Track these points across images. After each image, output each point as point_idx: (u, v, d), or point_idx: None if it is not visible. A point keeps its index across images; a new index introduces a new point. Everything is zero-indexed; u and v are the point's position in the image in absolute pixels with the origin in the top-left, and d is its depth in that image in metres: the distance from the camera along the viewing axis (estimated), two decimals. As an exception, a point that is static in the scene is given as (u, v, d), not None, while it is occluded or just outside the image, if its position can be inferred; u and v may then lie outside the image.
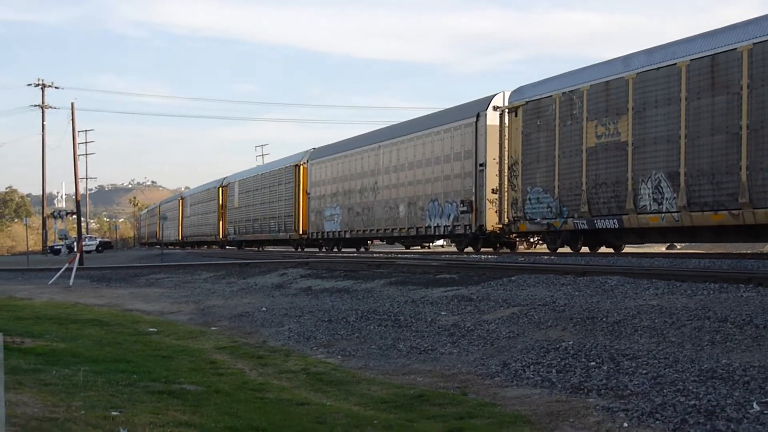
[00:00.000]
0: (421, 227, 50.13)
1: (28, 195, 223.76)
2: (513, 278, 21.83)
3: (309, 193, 67.84)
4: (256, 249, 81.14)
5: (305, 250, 68.19)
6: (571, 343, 13.22)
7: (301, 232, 68.89)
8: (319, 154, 67.91)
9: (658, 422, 9.05)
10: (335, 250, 63.36)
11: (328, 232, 63.78)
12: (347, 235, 60.51)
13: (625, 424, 9.14)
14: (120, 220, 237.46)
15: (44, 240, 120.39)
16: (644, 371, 11.00)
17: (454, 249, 52.76)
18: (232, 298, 26.52)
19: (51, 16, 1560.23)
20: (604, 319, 14.52)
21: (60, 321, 21.22)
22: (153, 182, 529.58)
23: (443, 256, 41.77)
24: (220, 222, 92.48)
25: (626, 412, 9.50)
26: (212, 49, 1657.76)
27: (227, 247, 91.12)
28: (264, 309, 22.65)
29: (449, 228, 46.65)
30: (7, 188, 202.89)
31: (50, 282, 37.95)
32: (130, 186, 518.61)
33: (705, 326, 13.02)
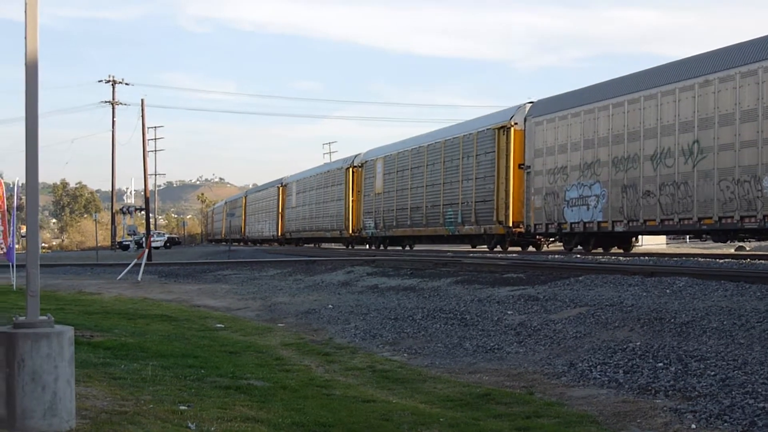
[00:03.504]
0: None
1: (98, 191, 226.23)
2: (580, 278, 21.74)
3: (528, 167, 45.45)
4: (403, 248, 62.17)
5: (508, 251, 47.50)
6: (638, 343, 13.14)
7: (510, 224, 46.80)
8: (549, 107, 44.92)
9: (726, 424, 8.98)
10: (579, 248, 42.98)
11: (573, 224, 41.77)
12: (619, 227, 38.71)
13: (693, 426, 9.08)
14: (188, 217, 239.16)
15: (113, 235, 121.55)
16: (712, 373, 10.91)
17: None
18: (299, 295, 26.62)
19: (120, 14, 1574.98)
20: (672, 320, 14.42)
21: (128, 316, 21.43)
22: (221, 179, 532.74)
23: (510, 255, 41.46)
24: (351, 213, 71.17)
25: (694, 414, 9.44)
26: (278, 46, 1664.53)
27: (354, 246, 73.07)
28: (330, 306, 22.72)
29: None
30: (77, 184, 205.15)
31: (119, 277, 38.30)
32: (197, 182, 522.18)
33: (775, 328, 12.89)
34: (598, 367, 12.35)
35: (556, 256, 37.32)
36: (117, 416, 8.43)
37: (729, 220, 32.53)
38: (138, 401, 9.45)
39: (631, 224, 37.86)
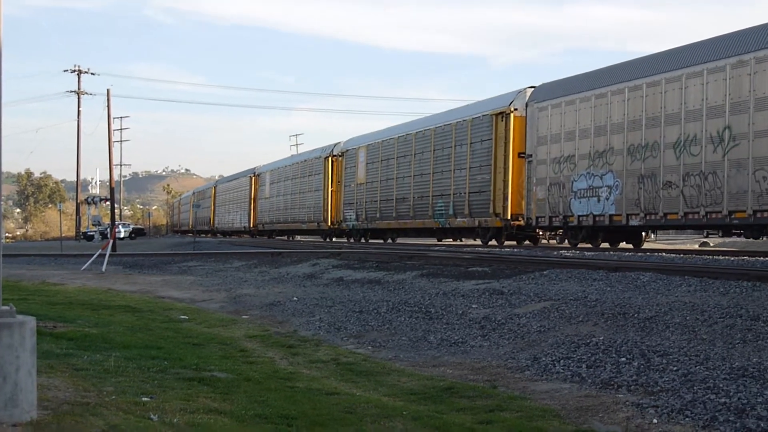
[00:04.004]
0: None
1: (63, 181, 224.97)
2: (545, 272, 21.79)
3: (530, 156, 41.70)
4: (385, 241, 59.62)
5: (505, 245, 43.94)
6: (601, 338, 13.20)
7: (508, 217, 43.12)
8: (554, 92, 40.98)
9: (687, 419, 9.03)
10: (582, 245, 39.29)
11: (581, 217, 37.99)
12: (634, 221, 35.30)
13: (655, 420, 9.13)
14: (153, 207, 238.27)
15: (78, 226, 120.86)
16: (675, 368, 10.97)
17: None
18: (264, 287, 26.58)
19: (87, 3, 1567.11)
20: (636, 315, 14.48)
21: (92, 307, 21.35)
22: (187, 170, 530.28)
23: (476, 249, 41.28)
24: (330, 204, 66.96)
25: (656, 409, 9.49)
26: (248, 38, 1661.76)
27: (332, 239, 69.46)
28: (295, 299, 22.69)
29: None
30: (41, 173, 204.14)
31: (83, 268, 38.15)
32: (163, 173, 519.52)
33: (737, 324, 12.97)
34: (562, 361, 12.39)
35: (522, 250, 37.27)
36: (79, 407, 8.38)
37: (765, 214, 29.48)
38: (100, 392, 9.40)
39: (648, 218, 34.53)
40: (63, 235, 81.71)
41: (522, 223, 42.77)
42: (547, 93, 41.32)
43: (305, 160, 74.39)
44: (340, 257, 34.03)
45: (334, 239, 68.13)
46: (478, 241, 47.50)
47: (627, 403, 9.88)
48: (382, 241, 59.42)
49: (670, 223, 34.40)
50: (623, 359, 11.82)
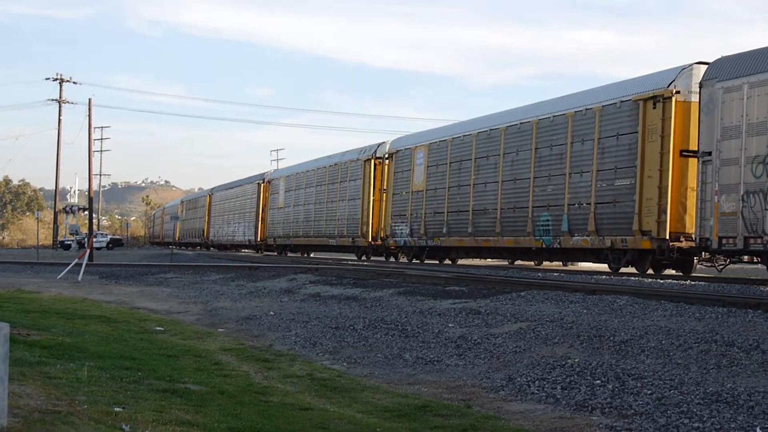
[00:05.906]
0: None
1: (41, 189, 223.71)
2: (522, 293, 21.80)
3: (706, 154, 28.30)
4: (441, 262, 48.84)
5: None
6: (577, 360, 13.20)
7: (666, 235, 31.04)
8: (755, 64, 27.52)
9: (661, 443, 9.04)
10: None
11: None
12: None
13: (628, 444, 9.13)
14: (132, 219, 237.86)
15: (55, 234, 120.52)
16: (649, 392, 10.98)
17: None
18: (241, 301, 26.52)
19: (69, 13, 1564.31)
20: (611, 338, 14.50)
21: (67, 316, 21.26)
22: (166, 182, 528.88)
23: (452, 268, 41.13)
24: (371, 215, 54.92)
25: (630, 432, 9.49)
26: (228, 51, 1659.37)
27: (369, 257, 57.16)
28: (272, 313, 22.65)
29: None
30: (20, 181, 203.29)
31: (59, 277, 38.00)
32: (143, 185, 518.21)
33: (712, 349, 12.99)
34: (537, 382, 12.39)
35: (500, 272, 37.17)
36: (50, 416, 8.33)
37: None
38: (72, 401, 9.35)
39: None
40: (40, 243, 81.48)
41: (686, 244, 31.18)
42: (738, 68, 28.24)
43: (335, 164, 61.58)
44: (318, 273, 33.98)
45: (372, 258, 56.51)
46: (602, 267, 37.31)
47: (601, 425, 9.88)
48: (437, 262, 49.00)
49: None
50: (598, 381, 11.82)
